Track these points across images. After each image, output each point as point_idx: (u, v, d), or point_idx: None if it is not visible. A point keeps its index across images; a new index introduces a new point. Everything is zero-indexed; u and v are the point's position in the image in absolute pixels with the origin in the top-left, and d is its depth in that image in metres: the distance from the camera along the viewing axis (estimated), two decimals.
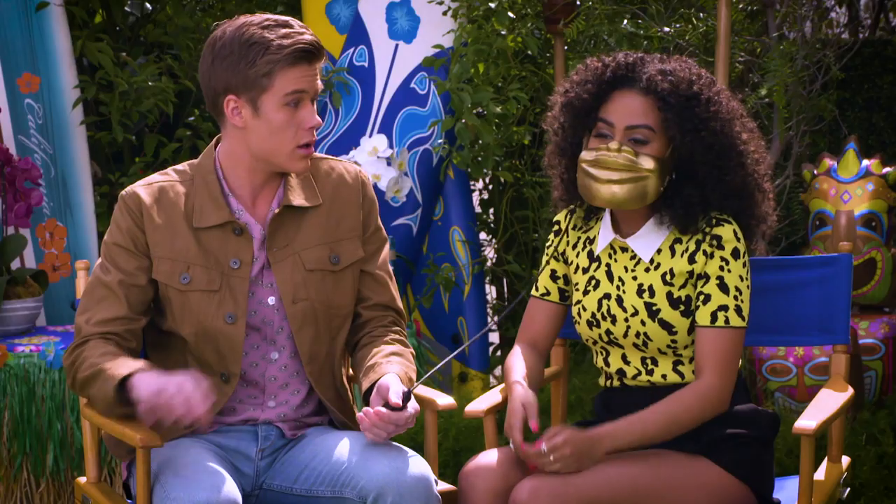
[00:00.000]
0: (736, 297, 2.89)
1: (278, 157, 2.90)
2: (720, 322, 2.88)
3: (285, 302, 2.94)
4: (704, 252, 2.90)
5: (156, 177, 2.99)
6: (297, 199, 2.97)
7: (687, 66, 2.94)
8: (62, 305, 4.66)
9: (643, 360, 2.97)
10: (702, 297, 2.91)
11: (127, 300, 2.90)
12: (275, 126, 2.87)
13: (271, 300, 2.95)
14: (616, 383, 3.03)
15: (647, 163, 2.87)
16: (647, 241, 2.95)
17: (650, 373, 2.97)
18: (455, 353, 3.16)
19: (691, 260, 2.92)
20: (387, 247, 3.08)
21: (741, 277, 2.90)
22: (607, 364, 3.02)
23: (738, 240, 2.90)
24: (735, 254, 2.90)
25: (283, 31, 2.85)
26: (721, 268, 2.89)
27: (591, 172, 2.89)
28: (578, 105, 2.95)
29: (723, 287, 2.89)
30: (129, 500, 3.03)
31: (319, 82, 2.91)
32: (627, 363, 2.99)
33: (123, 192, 2.96)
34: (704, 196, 2.89)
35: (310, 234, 2.97)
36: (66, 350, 2.91)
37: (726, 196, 2.91)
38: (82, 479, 3.12)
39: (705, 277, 2.90)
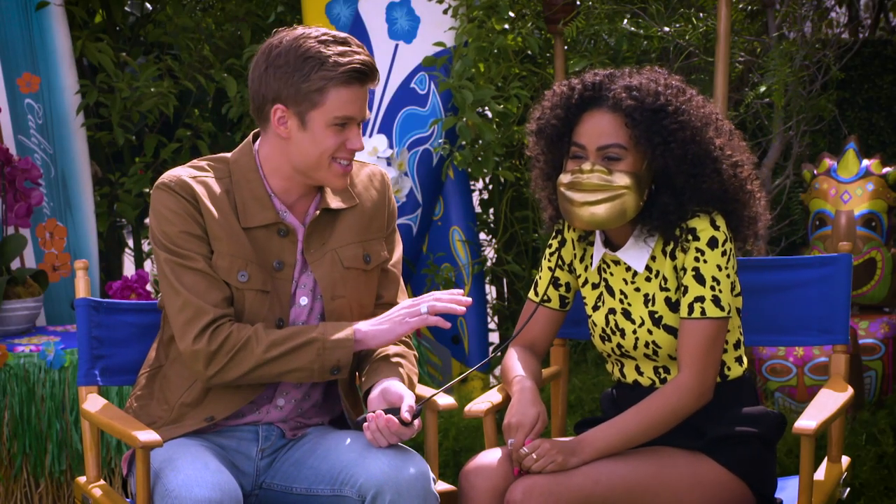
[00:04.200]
0: (713, 288, 2.86)
1: (317, 171, 2.89)
2: (696, 314, 2.87)
3: (325, 298, 2.93)
4: (682, 247, 2.90)
5: (191, 169, 2.93)
6: (335, 201, 2.97)
7: (655, 78, 2.91)
8: (62, 305, 4.65)
9: (655, 369, 2.97)
10: (681, 290, 2.91)
11: (221, 282, 2.87)
12: (318, 142, 2.86)
13: (304, 300, 2.95)
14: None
15: (622, 179, 2.85)
16: (637, 251, 2.95)
17: (663, 381, 2.97)
18: (464, 374, 3.15)
19: (672, 257, 2.91)
20: (400, 246, 3.10)
21: (719, 267, 2.87)
22: (623, 375, 3.03)
23: (717, 228, 2.88)
24: (712, 243, 2.87)
25: (340, 48, 2.84)
26: (696, 259, 2.87)
27: (568, 196, 2.89)
28: (550, 132, 2.95)
29: (699, 278, 2.87)
30: (128, 500, 3.03)
31: (367, 110, 2.90)
32: (641, 374, 3.00)
33: (167, 181, 2.89)
34: (681, 204, 2.88)
35: (345, 232, 2.97)
36: (193, 337, 2.80)
37: (706, 203, 2.89)
38: (82, 479, 3.12)
39: (683, 270, 2.90)
